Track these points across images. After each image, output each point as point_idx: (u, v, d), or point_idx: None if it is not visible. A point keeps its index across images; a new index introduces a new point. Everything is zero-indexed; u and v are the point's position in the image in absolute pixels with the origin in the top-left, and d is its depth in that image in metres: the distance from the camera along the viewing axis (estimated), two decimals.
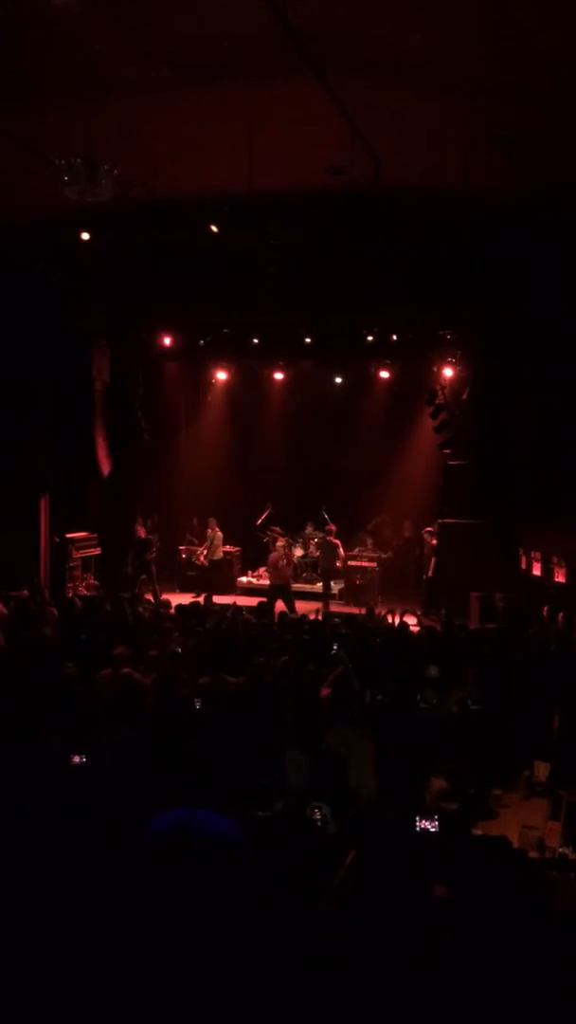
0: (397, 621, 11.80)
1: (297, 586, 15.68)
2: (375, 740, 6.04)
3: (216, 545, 16.10)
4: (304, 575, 16.43)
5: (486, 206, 9.84)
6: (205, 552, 16.11)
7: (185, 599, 13.46)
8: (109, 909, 3.61)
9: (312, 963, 3.32)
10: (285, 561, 14.41)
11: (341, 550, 15.05)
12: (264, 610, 11.67)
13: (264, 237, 10.78)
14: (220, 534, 16.11)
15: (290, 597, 14.15)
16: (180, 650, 8.66)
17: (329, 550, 14.84)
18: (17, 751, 5.63)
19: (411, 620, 13.04)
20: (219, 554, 16.16)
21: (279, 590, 14.21)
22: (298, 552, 16.36)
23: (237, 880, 3.83)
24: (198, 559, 16.14)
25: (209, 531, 16.18)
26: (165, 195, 10.07)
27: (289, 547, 15.11)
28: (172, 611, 11.22)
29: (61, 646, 8.95)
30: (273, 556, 14.62)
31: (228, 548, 16.86)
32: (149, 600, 13.11)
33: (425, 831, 4.75)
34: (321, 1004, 3.19)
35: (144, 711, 6.86)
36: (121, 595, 12.35)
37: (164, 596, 13.44)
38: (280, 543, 14.92)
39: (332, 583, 15.29)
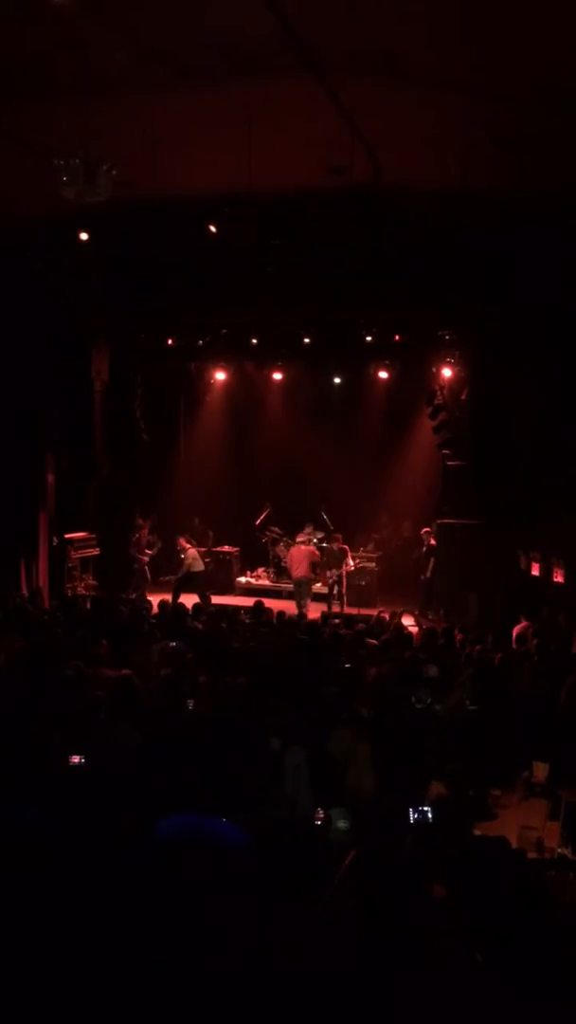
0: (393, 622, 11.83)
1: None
2: (372, 741, 6.04)
3: (192, 560, 14.77)
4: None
5: (486, 206, 9.83)
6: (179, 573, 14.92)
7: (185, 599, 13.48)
8: (110, 911, 3.60)
9: (311, 962, 3.31)
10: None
11: (350, 558, 15.01)
12: (260, 610, 11.67)
13: (263, 237, 10.77)
14: (193, 551, 14.86)
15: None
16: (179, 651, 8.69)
17: (339, 557, 14.82)
18: (18, 752, 5.63)
19: (409, 620, 13.06)
20: (198, 567, 14.91)
21: (307, 584, 14.63)
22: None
23: (241, 882, 3.83)
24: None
25: (180, 551, 14.88)
26: (164, 195, 10.07)
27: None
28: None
29: (63, 646, 8.96)
30: (307, 550, 14.81)
31: (227, 548, 16.84)
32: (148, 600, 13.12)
33: (419, 822, 4.75)
34: (322, 1003, 3.18)
35: (144, 711, 6.87)
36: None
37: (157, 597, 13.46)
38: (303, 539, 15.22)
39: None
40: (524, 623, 10.67)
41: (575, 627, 10.28)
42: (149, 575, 15.37)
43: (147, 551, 15.32)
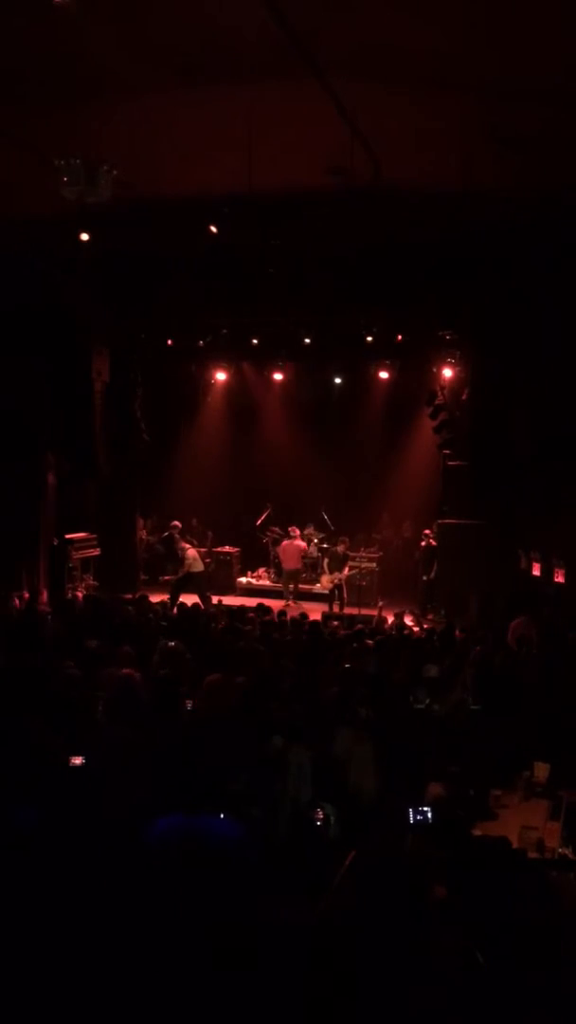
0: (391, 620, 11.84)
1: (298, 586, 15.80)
2: (374, 742, 6.03)
3: (192, 560, 14.75)
4: (304, 575, 16.42)
5: (486, 206, 9.83)
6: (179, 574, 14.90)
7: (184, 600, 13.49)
8: (110, 910, 3.60)
9: (313, 962, 3.31)
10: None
11: (347, 566, 15.01)
12: (265, 610, 11.70)
13: (264, 237, 10.77)
14: (193, 551, 14.84)
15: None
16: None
17: (341, 560, 14.86)
18: (18, 752, 5.62)
19: (409, 620, 13.05)
20: (198, 567, 14.84)
21: (298, 576, 15.38)
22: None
23: (239, 881, 3.82)
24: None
25: (180, 552, 14.85)
26: (165, 195, 10.07)
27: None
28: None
29: (63, 647, 8.96)
30: (299, 545, 15.36)
31: (227, 548, 16.85)
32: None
33: (419, 823, 4.75)
34: (323, 1002, 3.18)
35: (143, 711, 6.86)
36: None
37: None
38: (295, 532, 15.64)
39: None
40: (518, 620, 10.66)
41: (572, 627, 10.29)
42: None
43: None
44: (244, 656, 8.78)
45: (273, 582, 16.51)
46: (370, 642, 9.78)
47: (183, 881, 3.79)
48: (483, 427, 13.17)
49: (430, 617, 13.96)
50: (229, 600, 14.90)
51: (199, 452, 18.17)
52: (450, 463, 14.30)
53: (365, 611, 14.34)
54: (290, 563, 15.35)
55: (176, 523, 15.29)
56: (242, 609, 11.71)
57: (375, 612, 14.09)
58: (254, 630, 10.19)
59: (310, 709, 6.94)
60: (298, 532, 15.80)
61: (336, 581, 14.74)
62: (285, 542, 15.58)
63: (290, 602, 14.91)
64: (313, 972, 3.27)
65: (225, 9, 6.56)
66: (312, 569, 16.35)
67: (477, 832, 5.27)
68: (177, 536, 15.03)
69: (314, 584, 15.94)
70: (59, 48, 7.14)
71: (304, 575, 16.32)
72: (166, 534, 15.19)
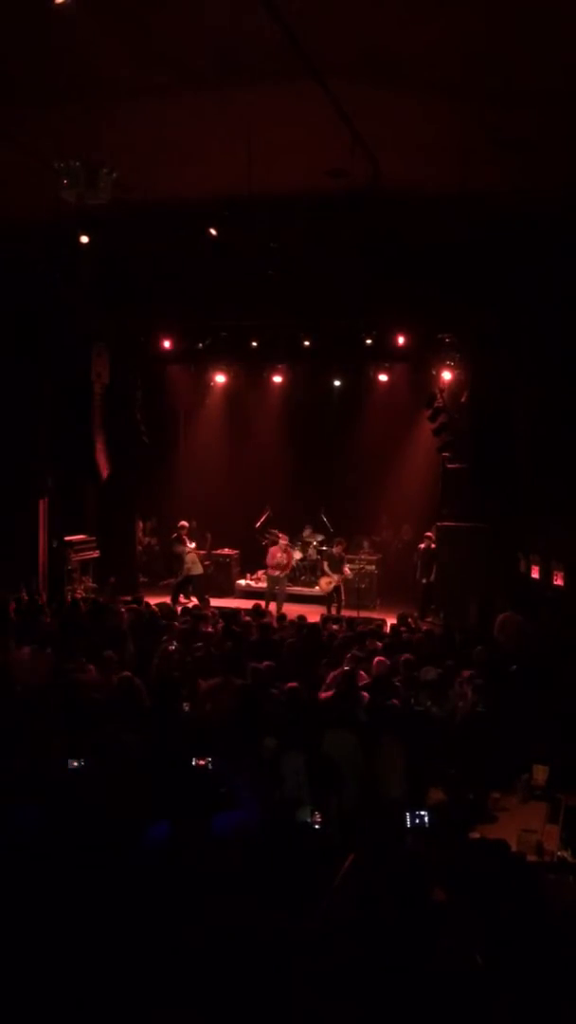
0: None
1: (296, 588, 15.78)
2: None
3: (191, 563, 14.94)
4: (303, 578, 16.41)
5: (486, 207, 9.84)
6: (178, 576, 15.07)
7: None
8: (110, 911, 3.60)
9: (314, 963, 3.31)
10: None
11: (347, 567, 14.94)
12: (261, 612, 11.70)
13: (263, 239, 10.78)
14: (192, 554, 15.00)
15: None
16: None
17: (339, 562, 14.82)
18: (18, 754, 5.63)
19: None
20: (197, 570, 15.06)
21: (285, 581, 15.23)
22: (296, 555, 16.32)
23: (239, 883, 3.82)
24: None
25: (179, 547, 15.02)
26: (165, 198, 10.08)
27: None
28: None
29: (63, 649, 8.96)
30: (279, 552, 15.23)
31: (226, 550, 16.84)
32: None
33: (416, 826, 4.74)
34: (323, 1003, 3.18)
35: (143, 714, 6.86)
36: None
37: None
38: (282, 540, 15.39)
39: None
40: (504, 616, 10.66)
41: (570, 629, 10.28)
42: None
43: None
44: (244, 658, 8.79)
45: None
46: (373, 644, 9.77)
47: (182, 883, 3.78)
48: (482, 430, 13.17)
49: (429, 620, 13.95)
50: (228, 603, 14.89)
51: (198, 454, 18.16)
52: (449, 466, 14.28)
53: (364, 613, 14.32)
54: (276, 570, 15.25)
55: (184, 523, 15.28)
56: (234, 612, 11.69)
57: (374, 614, 14.07)
58: (248, 633, 10.20)
59: (308, 711, 6.94)
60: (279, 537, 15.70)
61: (334, 583, 14.72)
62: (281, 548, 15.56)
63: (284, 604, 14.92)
64: (313, 973, 3.27)
65: (225, 12, 6.57)
66: (311, 572, 16.33)
67: (476, 835, 5.27)
68: (185, 537, 15.02)
69: (312, 587, 15.91)
70: (59, 50, 7.15)
71: (303, 577, 16.33)
72: (175, 535, 15.16)
